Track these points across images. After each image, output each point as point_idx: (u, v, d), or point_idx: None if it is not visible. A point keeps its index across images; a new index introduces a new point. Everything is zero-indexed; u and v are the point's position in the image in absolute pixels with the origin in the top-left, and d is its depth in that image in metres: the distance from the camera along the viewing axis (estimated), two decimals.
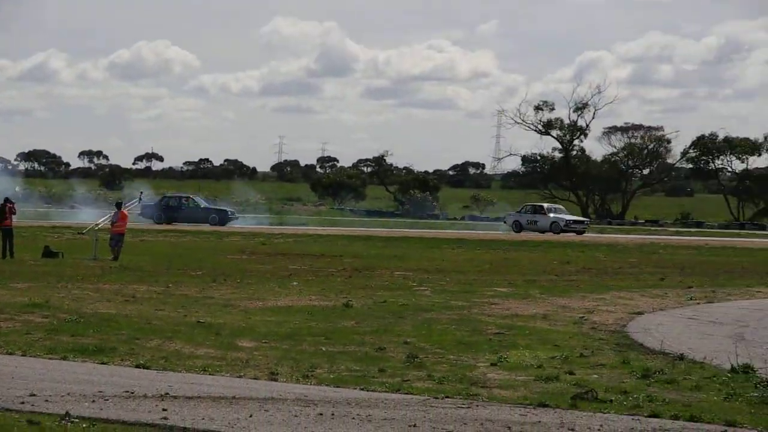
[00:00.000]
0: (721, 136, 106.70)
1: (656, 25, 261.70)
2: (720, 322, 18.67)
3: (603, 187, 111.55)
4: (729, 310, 20.85)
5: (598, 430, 9.63)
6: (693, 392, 11.73)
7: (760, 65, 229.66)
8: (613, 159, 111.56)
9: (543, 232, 61.71)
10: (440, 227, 71.76)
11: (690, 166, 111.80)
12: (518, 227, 64.25)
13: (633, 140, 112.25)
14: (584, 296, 22.90)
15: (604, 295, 23.09)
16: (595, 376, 12.70)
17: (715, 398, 11.38)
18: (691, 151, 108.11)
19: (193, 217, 61.84)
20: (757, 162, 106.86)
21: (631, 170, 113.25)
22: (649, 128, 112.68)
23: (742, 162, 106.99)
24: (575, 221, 63.96)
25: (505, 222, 68.07)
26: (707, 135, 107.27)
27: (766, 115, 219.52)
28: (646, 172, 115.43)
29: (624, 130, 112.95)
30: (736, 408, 10.82)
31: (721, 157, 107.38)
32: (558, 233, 60.95)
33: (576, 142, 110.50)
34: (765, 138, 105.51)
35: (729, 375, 12.70)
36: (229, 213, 63.97)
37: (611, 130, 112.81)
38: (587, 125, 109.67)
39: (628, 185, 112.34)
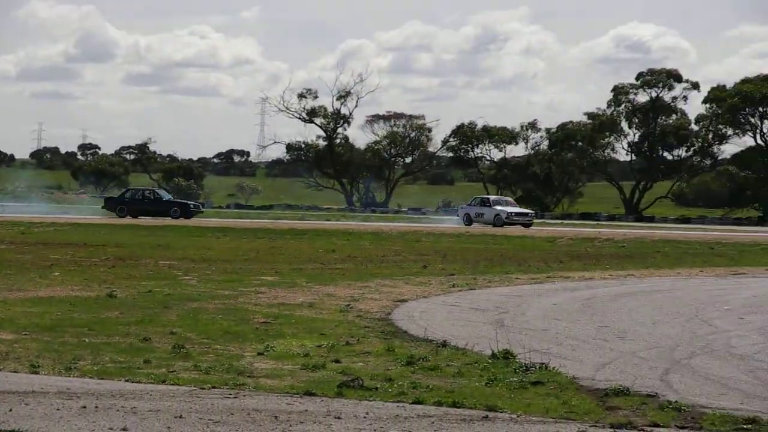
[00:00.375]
0: (479, 125, 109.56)
1: (416, 14, 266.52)
2: (481, 308, 19.10)
3: (367, 176, 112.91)
4: (490, 296, 21.33)
5: (364, 417, 9.73)
6: (455, 378, 11.98)
7: (515, 55, 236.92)
8: (376, 147, 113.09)
9: (493, 225, 61.73)
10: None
11: (451, 154, 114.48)
12: (468, 220, 64.39)
13: (395, 129, 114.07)
14: (350, 284, 23.09)
15: (368, 283, 23.33)
16: (361, 364, 12.84)
17: (477, 384, 11.64)
18: (451, 139, 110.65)
19: (156, 211, 61.15)
20: (514, 151, 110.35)
21: (393, 158, 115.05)
22: (411, 117, 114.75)
23: (500, 150, 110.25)
24: (518, 213, 63.80)
25: (457, 215, 68.25)
26: (466, 124, 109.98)
27: (522, 105, 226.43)
28: (408, 160, 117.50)
29: (386, 118, 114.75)
30: (496, 393, 11.09)
31: (480, 145, 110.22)
32: (501, 225, 61.00)
33: (340, 130, 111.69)
34: (521, 127, 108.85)
35: (490, 361, 13.00)
36: (192, 206, 63.61)
37: (374, 119, 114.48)
38: (350, 113, 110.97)
39: (392, 173, 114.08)
